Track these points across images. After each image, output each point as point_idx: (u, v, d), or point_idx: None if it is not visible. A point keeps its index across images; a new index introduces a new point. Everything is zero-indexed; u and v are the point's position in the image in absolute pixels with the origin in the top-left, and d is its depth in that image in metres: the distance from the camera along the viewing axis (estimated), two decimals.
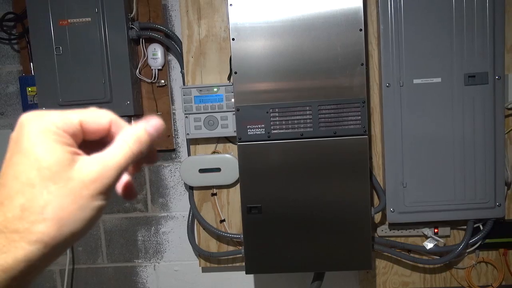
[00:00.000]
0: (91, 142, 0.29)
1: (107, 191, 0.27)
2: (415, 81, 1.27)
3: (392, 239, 1.44)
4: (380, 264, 1.50)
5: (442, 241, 1.42)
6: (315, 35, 1.19)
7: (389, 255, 1.46)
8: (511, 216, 1.42)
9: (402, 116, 1.28)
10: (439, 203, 1.30)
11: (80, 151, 0.27)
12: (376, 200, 1.43)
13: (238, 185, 1.37)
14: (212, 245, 1.53)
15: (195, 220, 1.53)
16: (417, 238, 1.44)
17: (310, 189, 1.24)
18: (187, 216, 1.56)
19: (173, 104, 1.56)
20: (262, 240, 1.28)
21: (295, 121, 1.22)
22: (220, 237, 1.52)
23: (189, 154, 1.50)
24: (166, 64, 1.52)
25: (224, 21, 1.43)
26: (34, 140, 0.25)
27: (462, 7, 1.23)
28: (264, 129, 1.23)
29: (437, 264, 1.43)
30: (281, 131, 1.23)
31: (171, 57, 1.53)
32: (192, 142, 1.48)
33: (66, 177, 0.25)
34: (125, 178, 0.33)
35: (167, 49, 1.52)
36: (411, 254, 1.44)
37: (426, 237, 1.42)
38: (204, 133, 1.42)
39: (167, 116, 1.54)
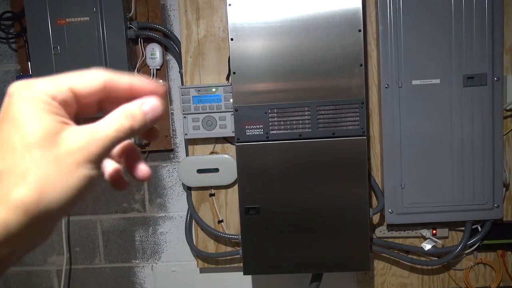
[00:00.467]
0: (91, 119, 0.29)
1: (94, 161, 0.26)
2: (414, 82, 1.27)
3: (390, 240, 1.44)
4: (378, 265, 1.50)
5: (440, 242, 1.41)
6: (314, 35, 1.19)
7: (387, 256, 1.46)
8: (509, 217, 1.42)
9: (400, 117, 1.28)
10: (437, 204, 1.30)
11: (69, 121, 0.27)
12: (374, 201, 1.43)
13: (236, 186, 1.37)
14: (210, 246, 1.53)
15: (193, 220, 1.53)
16: (415, 239, 1.44)
17: (308, 190, 1.24)
18: (185, 216, 1.55)
19: (171, 104, 1.56)
20: (260, 241, 1.27)
21: (294, 122, 1.22)
22: (218, 238, 1.52)
23: (187, 154, 1.49)
24: (164, 64, 1.51)
25: (223, 21, 1.43)
26: (21, 109, 0.25)
27: (461, 8, 1.23)
28: (262, 130, 1.23)
29: (435, 265, 1.43)
30: (280, 131, 1.23)
31: (169, 57, 1.53)
32: (190, 142, 1.48)
33: (51, 144, 0.25)
34: (114, 165, 0.32)
35: (165, 49, 1.51)
36: (409, 255, 1.44)
37: (424, 238, 1.42)
38: (202, 133, 1.42)
39: (165, 116, 1.54)
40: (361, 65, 1.18)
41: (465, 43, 1.24)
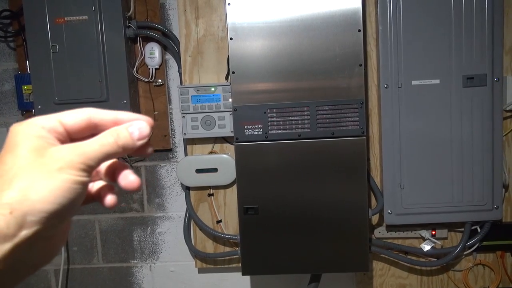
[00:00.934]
0: None
1: (77, 168, 0.28)
2: (414, 82, 1.26)
3: (389, 241, 1.44)
4: (377, 266, 1.49)
5: (440, 243, 1.41)
6: (314, 35, 1.19)
7: (386, 257, 1.46)
8: (509, 218, 1.42)
9: (400, 118, 1.28)
10: (436, 205, 1.30)
11: (57, 143, 0.30)
12: (373, 202, 1.43)
13: (235, 186, 1.37)
14: (209, 246, 1.52)
15: (192, 220, 1.52)
16: (415, 240, 1.44)
17: (307, 190, 1.23)
18: (184, 216, 1.55)
19: (170, 103, 1.55)
20: (258, 241, 1.27)
21: (293, 122, 1.21)
22: (216, 238, 1.51)
23: (186, 154, 1.49)
24: (163, 63, 1.51)
25: (222, 20, 1.43)
26: (17, 139, 0.29)
27: (461, 8, 1.23)
28: (261, 130, 1.22)
29: (434, 266, 1.43)
30: (279, 131, 1.22)
31: (168, 56, 1.52)
32: (189, 142, 1.47)
33: (38, 155, 0.28)
34: (100, 184, 0.34)
35: (164, 48, 1.51)
36: (408, 256, 1.44)
37: (424, 239, 1.41)
38: (201, 133, 1.42)
39: (164, 116, 1.53)
40: (360, 65, 1.18)
41: (465, 44, 1.24)
